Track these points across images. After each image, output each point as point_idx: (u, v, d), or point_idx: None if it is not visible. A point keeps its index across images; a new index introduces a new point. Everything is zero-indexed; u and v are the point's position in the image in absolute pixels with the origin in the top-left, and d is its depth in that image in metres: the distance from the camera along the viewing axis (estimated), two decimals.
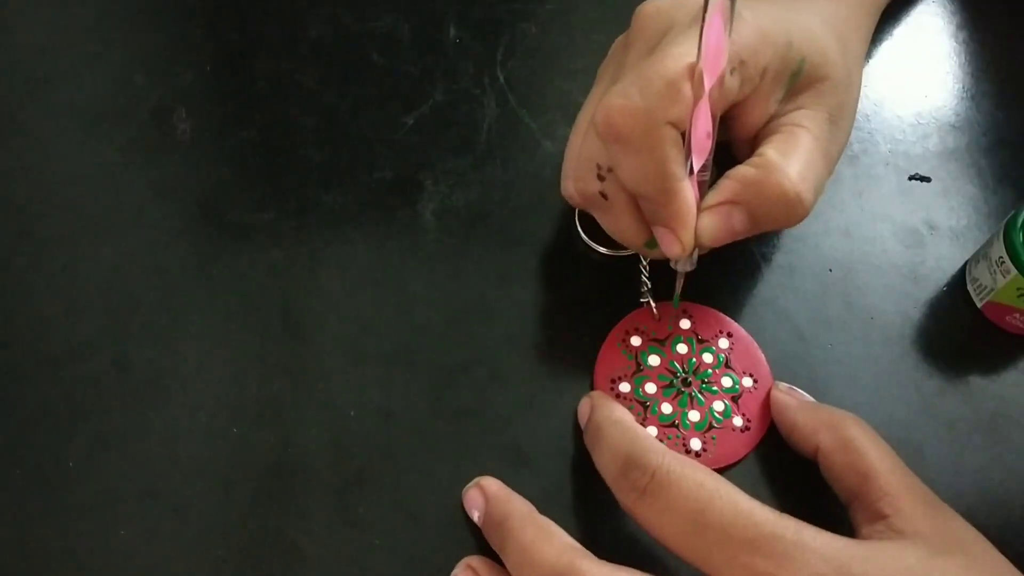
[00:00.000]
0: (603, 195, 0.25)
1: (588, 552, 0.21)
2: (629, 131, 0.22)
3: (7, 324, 0.28)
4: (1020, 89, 0.33)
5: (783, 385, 0.26)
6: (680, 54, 0.22)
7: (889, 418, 0.26)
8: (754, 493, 0.20)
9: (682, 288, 0.27)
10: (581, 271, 0.29)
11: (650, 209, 0.24)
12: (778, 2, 0.25)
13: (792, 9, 0.25)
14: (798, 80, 0.24)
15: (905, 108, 0.33)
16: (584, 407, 0.25)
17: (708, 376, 0.26)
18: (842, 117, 0.25)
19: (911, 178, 0.31)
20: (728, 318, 0.27)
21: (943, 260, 0.29)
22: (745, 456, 0.25)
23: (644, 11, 0.25)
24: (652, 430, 0.25)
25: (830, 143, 0.25)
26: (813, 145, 0.24)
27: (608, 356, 0.27)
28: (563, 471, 0.25)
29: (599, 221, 0.26)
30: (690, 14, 0.23)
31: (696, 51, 0.21)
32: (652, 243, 0.25)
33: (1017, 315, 0.27)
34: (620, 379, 0.26)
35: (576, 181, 0.25)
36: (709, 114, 0.22)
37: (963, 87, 0.33)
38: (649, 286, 0.28)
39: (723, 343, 0.27)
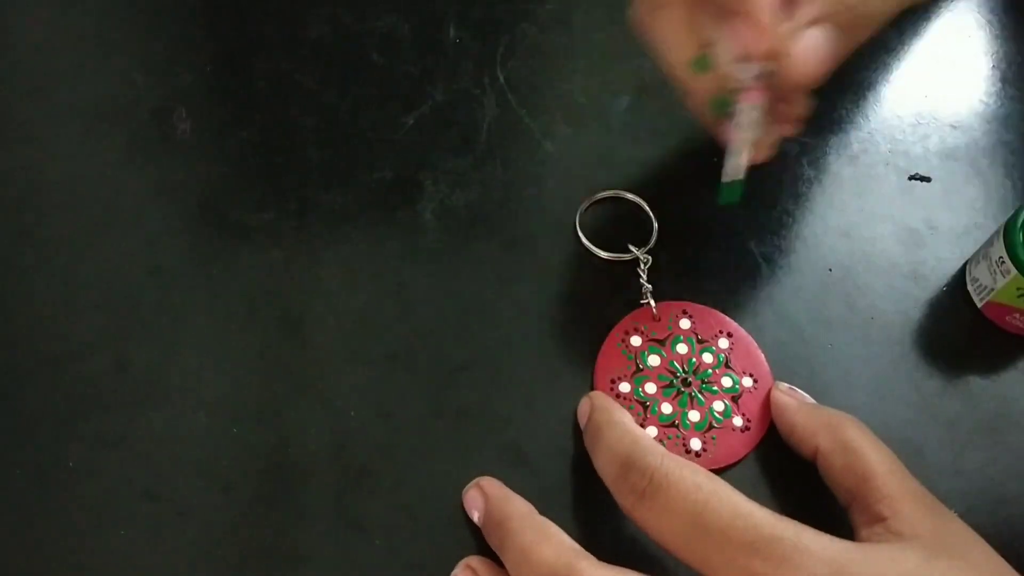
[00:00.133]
0: None
1: (587, 553, 0.21)
2: None
3: (7, 324, 0.28)
4: (1020, 89, 0.33)
5: (783, 385, 0.26)
6: None
7: (889, 418, 0.26)
8: (754, 493, 0.20)
9: (740, 162, 0.21)
10: (581, 271, 0.29)
11: None
12: None
13: None
14: None
15: (905, 108, 0.33)
16: (584, 407, 0.25)
17: (708, 376, 0.26)
18: None
19: (911, 178, 0.31)
20: (728, 318, 0.27)
21: (943, 260, 0.29)
22: (745, 456, 0.25)
23: None
24: (652, 430, 0.25)
25: None
26: None
27: (608, 356, 0.27)
28: (563, 471, 0.25)
29: (650, 35, 0.23)
30: None
31: None
32: (703, 61, 0.21)
33: (1017, 315, 0.27)
34: (620, 379, 0.26)
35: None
36: None
37: (963, 87, 0.33)
38: (649, 286, 0.28)
39: (723, 343, 0.27)
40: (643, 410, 0.26)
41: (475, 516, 0.24)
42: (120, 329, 0.28)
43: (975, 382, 0.27)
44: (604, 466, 0.22)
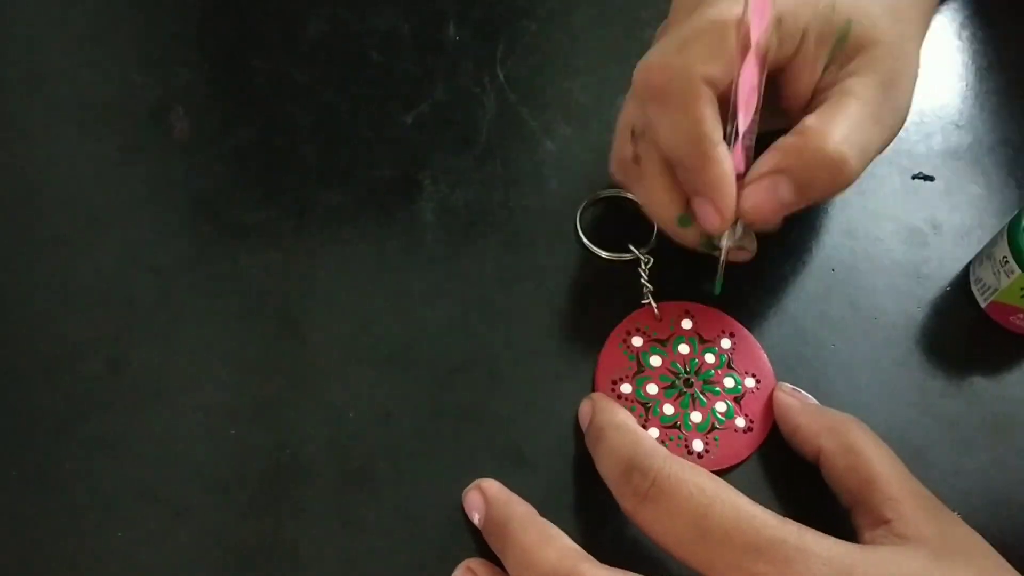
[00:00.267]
0: (636, 160, 0.24)
1: (589, 555, 0.21)
2: (664, 86, 0.22)
3: (4, 324, 0.28)
4: (1022, 86, 0.33)
5: (786, 386, 0.26)
6: (723, 8, 0.22)
7: (892, 418, 0.26)
8: (756, 495, 0.20)
9: (723, 272, 0.25)
10: (582, 270, 0.29)
11: (686, 177, 0.23)
12: None
13: None
14: (846, 44, 0.23)
15: (912, 101, 0.33)
16: (585, 409, 0.25)
17: (710, 377, 0.26)
18: (896, 83, 0.24)
19: (914, 177, 0.31)
20: (730, 318, 0.27)
21: (946, 260, 0.29)
22: (748, 457, 0.25)
23: None
24: (654, 431, 0.25)
25: (881, 107, 0.23)
26: (860, 109, 0.23)
27: (609, 357, 0.27)
28: (564, 473, 0.25)
29: (633, 194, 0.26)
30: None
31: (742, 3, 0.21)
32: (685, 220, 0.24)
33: (1021, 315, 0.27)
34: (621, 380, 0.26)
35: (613, 150, 0.25)
36: (756, 67, 0.22)
37: (966, 85, 0.33)
38: (650, 287, 0.28)
39: (725, 343, 0.27)
40: (645, 411, 0.26)
41: (475, 518, 0.24)
42: (118, 329, 0.28)
43: (978, 382, 0.27)
44: (606, 468, 0.22)
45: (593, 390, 0.26)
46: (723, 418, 0.25)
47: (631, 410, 0.25)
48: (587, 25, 0.35)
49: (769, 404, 0.25)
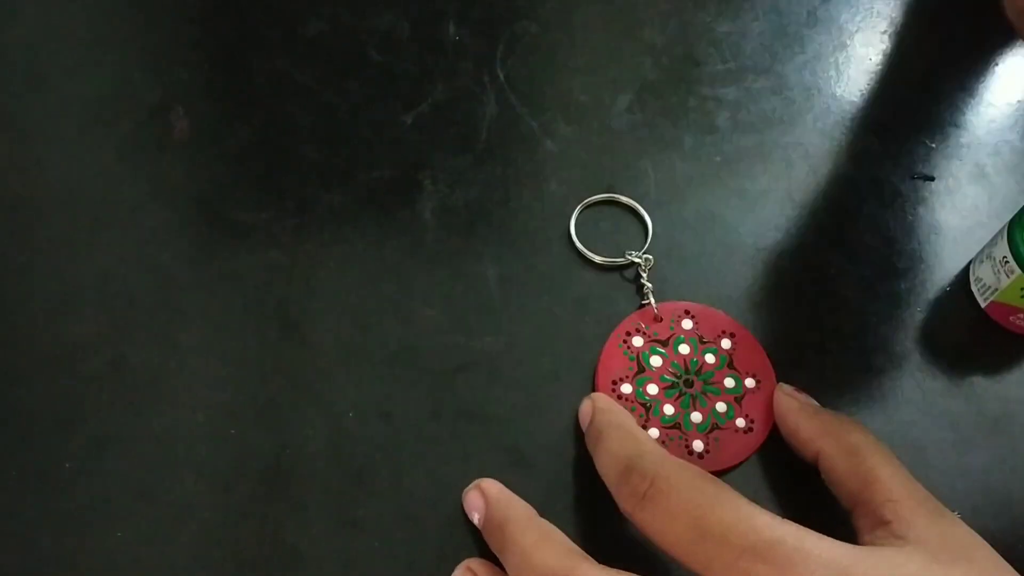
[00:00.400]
0: None
1: (588, 556, 0.21)
2: None
3: (5, 324, 0.28)
4: (1023, 86, 0.33)
5: (786, 387, 0.26)
6: None
7: (892, 418, 0.26)
8: (756, 495, 0.20)
9: None
10: (582, 270, 0.29)
11: None
12: None
13: None
14: None
15: (907, 106, 0.33)
16: (585, 409, 0.25)
17: (711, 377, 0.26)
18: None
19: (914, 177, 0.31)
20: (731, 318, 0.27)
21: (946, 260, 0.29)
22: (748, 458, 0.25)
23: None
24: (654, 431, 0.25)
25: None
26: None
27: (609, 357, 0.26)
28: (563, 473, 0.25)
29: None
30: None
31: None
32: None
33: (1021, 315, 0.27)
34: (622, 380, 0.26)
35: None
36: None
37: (966, 84, 0.33)
38: (650, 286, 0.28)
39: (726, 343, 0.27)
40: (645, 411, 0.26)
41: (475, 518, 0.24)
42: (118, 328, 0.28)
43: (978, 382, 0.27)
44: (605, 469, 0.22)
45: (593, 390, 0.26)
46: (723, 418, 0.25)
47: (631, 410, 0.25)
48: (587, 25, 0.35)
49: (769, 405, 0.25)
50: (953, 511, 0.21)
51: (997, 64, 0.33)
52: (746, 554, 0.18)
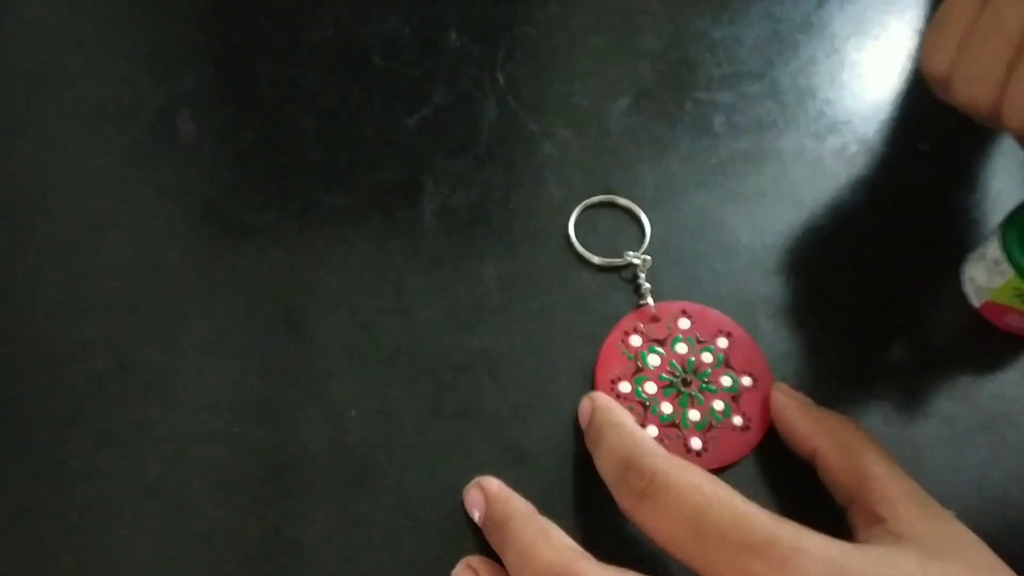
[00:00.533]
0: None
1: (587, 554, 0.21)
2: None
3: (9, 324, 0.28)
4: None
5: (783, 385, 0.26)
6: None
7: (886, 418, 0.26)
8: (753, 493, 0.20)
9: None
10: (581, 270, 0.29)
11: None
12: None
13: None
14: None
15: (901, 109, 0.33)
16: (585, 408, 0.25)
17: (708, 376, 0.26)
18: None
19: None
20: (727, 318, 0.28)
21: (940, 260, 0.29)
22: (745, 455, 0.25)
23: None
24: (652, 430, 0.25)
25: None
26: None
27: (608, 356, 0.27)
28: (563, 471, 0.25)
29: None
30: None
31: None
32: None
33: (1014, 315, 0.27)
34: (620, 379, 0.26)
35: (1009, 114, 0.20)
36: None
37: None
38: (648, 286, 0.28)
39: (722, 342, 0.27)
40: (643, 410, 0.26)
41: (476, 516, 0.24)
42: (122, 329, 0.28)
43: (972, 382, 0.27)
44: (605, 467, 0.22)
45: (592, 389, 0.26)
46: (721, 417, 0.26)
47: (630, 409, 0.25)
48: (586, 30, 0.35)
49: (766, 403, 0.26)
50: (948, 509, 0.21)
51: None
52: (743, 552, 0.19)
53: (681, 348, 0.27)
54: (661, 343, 0.27)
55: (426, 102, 0.33)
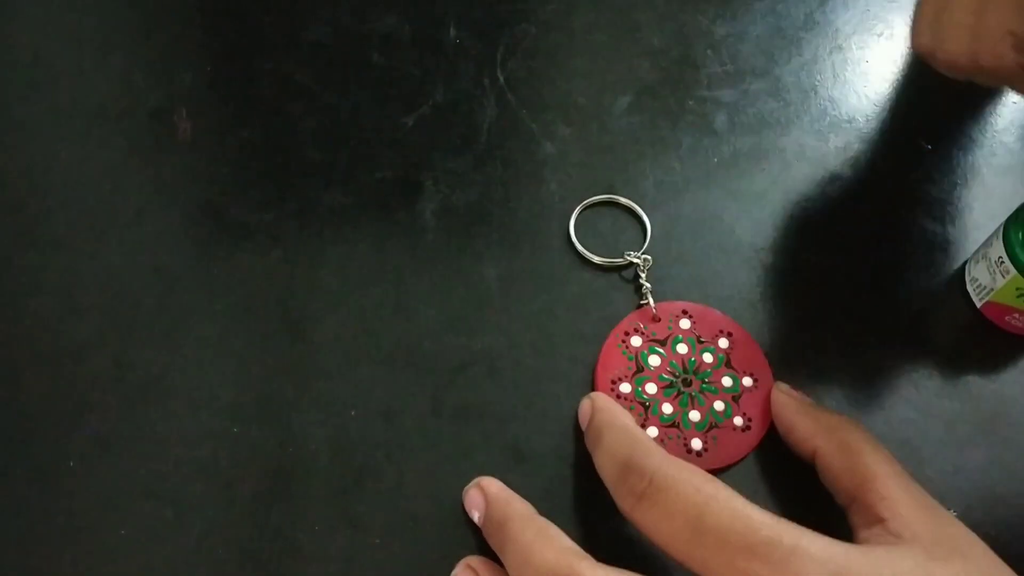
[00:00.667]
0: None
1: (587, 554, 0.21)
2: None
3: (8, 323, 0.28)
4: None
5: (783, 385, 0.26)
6: None
7: (888, 417, 0.26)
8: (754, 493, 0.20)
9: None
10: (581, 270, 0.29)
11: None
12: None
13: None
14: None
15: (904, 107, 0.33)
16: (585, 408, 0.25)
17: (708, 376, 0.26)
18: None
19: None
20: (728, 318, 0.27)
21: (942, 260, 0.29)
22: (746, 456, 0.25)
23: None
24: (653, 430, 0.25)
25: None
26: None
27: (608, 356, 0.27)
28: (563, 472, 0.25)
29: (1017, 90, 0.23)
30: None
31: None
32: None
33: (1016, 315, 0.27)
34: (621, 380, 0.26)
35: (983, 55, 0.22)
36: None
37: (962, 87, 0.33)
38: (649, 286, 0.28)
39: (723, 343, 0.27)
40: (644, 410, 0.26)
41: (475, 516, 0.24)
42: (121, 329, 0.28)
43: (974, 382, 0.27)
44: (604, 467, 0.22)
45: (593, 389, 0.26)
46: (721, 417, 0.26)
47: (630, 409, 0.25)
48: (586, 28, 0.35)
49: (767, 403, 0.26)
50: (948, 509, 0.21)
51: None
52: (743, 553, 0.19)
53: (682, 348, 0.27)
54: (662, 343, 0.27)
55: (426, 101, 0.33)
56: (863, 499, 0.21)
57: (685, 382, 0.26)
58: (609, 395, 0.26)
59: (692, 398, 0.26)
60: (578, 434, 0.25)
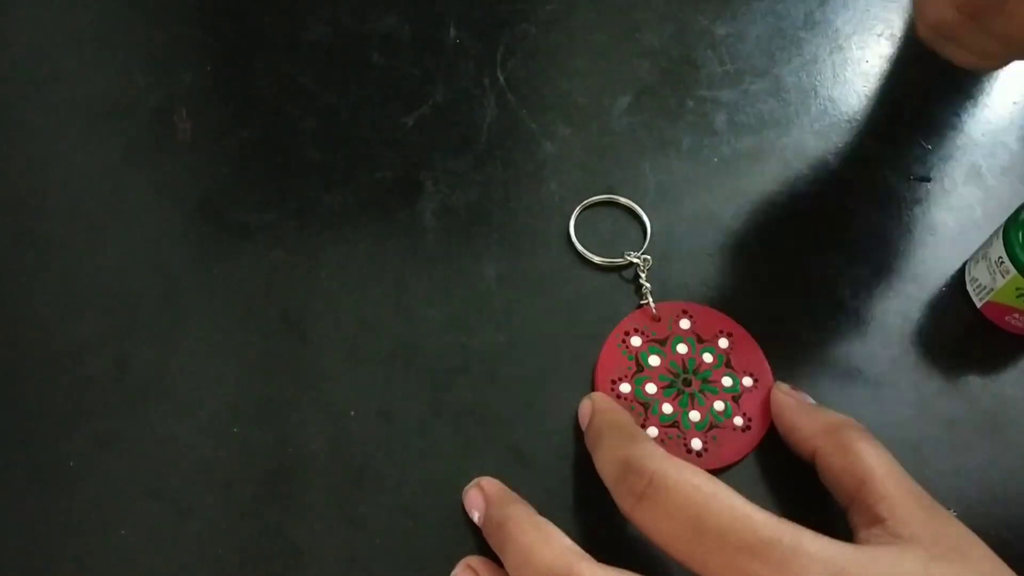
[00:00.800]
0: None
1: (587, 554, 0.21)
2: None
3: (8, 324, 0.28)
4: (1019, 88, 0.33)
5: (783, 385, 0.26)
6: None
7: (888, 418, 0.26)
8: (754, 493, 0.20)
9: None
10: (581, 270, 0.29)
11: None
12: None
13: None
14: None
15: (904, 108, 0.33)
16: (585, 408, 0.25)
17: (708, 376, 0.26)
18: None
19: (912, 178, 0.31)
20: (728, 318, 0.27)
21: (942, 260, 0.29)
22: (746, 456, 0.25)
23: None
24: (653, 430, 0.25)
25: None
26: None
27: (608, 357, 0.27)
28: (563, 472, 0.25)
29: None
30: None
31: None
32: None
33: (1016, 315, 0.27)
34: (621, 380, 0.26)
35: (927, 12, 0.22)
36: None
37: (962, 86, 0.33)
38: (648, 286, 0.28)
39: (723, 343, 0.27)
40: (644, 410, 0.26)
41: (475, 516, 0.24)
42: (121, 329, 0.28)
43: (974, 382, 0.27)
44: (604, 467, 0.22)
45: (593, 389, 0.26)
46: (721, 417, 0.26)
47: (630, 409, 0.25)
48: (586, 28, 0.35)
49: (767, 403, 0.26)
50: (948, 509, 0.21)
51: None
52: (743, 553, 0.19)
53: (682, 348, 0.27)
54: (662, 343, 0.27)
55: (425, 101, 0.33)
56: (863, 499, 0.21)
57: (685, 382, 0.26)
58: (609, 395, 0.26)
59: (692, 398, 0.26)
60: (578, 434, 0.25)
